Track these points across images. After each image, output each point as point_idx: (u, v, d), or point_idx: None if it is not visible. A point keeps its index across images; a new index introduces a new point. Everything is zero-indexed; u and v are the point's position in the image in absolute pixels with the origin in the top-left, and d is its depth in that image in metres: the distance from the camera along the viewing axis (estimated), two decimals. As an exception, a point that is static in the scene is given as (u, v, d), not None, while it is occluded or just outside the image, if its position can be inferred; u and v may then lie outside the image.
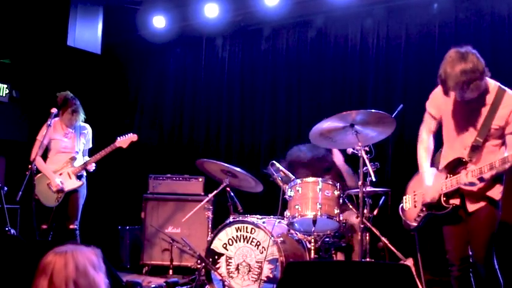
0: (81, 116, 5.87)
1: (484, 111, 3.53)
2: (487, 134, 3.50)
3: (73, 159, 5.79)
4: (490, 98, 3.52)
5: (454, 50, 3.44)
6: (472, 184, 3.48)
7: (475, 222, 3.56)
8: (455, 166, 3.62)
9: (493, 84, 3.56)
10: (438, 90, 3.68)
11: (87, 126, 6.02)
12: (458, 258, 3.65)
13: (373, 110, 4.24)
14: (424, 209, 3.75)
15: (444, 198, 3.61)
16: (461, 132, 3.63)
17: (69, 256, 2.16)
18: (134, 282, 5.44)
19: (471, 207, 3.57)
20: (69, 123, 5.82)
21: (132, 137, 5.92)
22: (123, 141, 5.88)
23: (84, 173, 5.89)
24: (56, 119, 5.83)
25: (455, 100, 3.62)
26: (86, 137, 5.95)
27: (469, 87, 3.37)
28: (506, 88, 3.55)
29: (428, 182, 3.71)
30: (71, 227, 5.66)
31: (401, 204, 3.98)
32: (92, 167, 5.82)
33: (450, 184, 3.59)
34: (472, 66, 3.34)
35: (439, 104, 3.75)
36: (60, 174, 5.73)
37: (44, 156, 5.84)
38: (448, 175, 3.63)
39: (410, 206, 3.89)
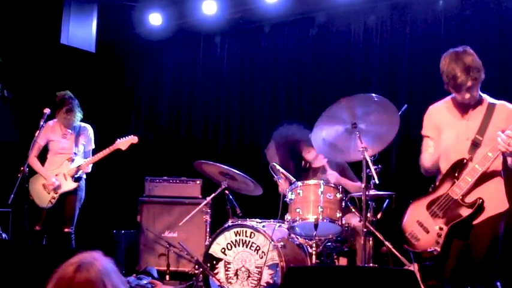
0: (78, 115, 5.87)
1: (479, 116, 3.68)
2: (484, 133, 3.61)
3: (70, 160, 5.82)
4: (483, 105, 3.71)
5: (452, 50, 3.67)
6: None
7: (477, 239, 3.58)
8: (456, 168, 3.66)
9: (483, 95, 3.76)
10: (431, 111, 3.96)
11: (88, 126, 6.04)
12: (452, 267, 3.68)
13: (373, 94, 4.15)
14: (442, 226, 3.65)
15: (462, 201, 3.59)
16: (461, 144, 3.70)
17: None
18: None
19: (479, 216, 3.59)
20: (66, 123, 5.84)
21: (132, 138, 5.94)
22: (123, 142, 5.90)
23: (84, 176, 5.91)
24: (55, 120, 5.89)
25: (452, 113, 3.79)
26: (86, 138, 5.97)
27: (477, 79, 3.55)
28: (495, 101, 3.74)
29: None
30: (66, 230, 5.68)
31: (406, 243, 3.82)
32: (88, 169, 5.83)
33: (465, 183, 3.57)
34: (476, 59, 3.59)
35: (435, 123, 3.89)
36: (56, 175, 5.76)
37: (43, 158, 5.87)
38: (454, 180, 3.64)
39: (421, 235, 3.75)
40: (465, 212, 3.59)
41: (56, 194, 5.72)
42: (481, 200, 3.55)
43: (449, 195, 3.64)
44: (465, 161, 3.63)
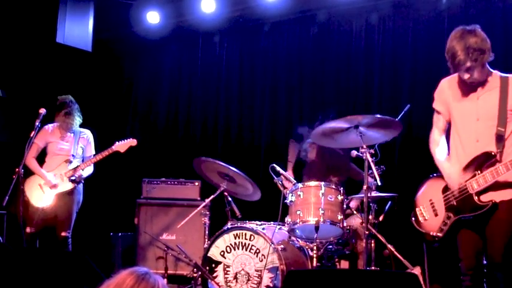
0: (77, 119, 5.96)
1: (494, 96, 3.61)
2: (506, 120, 3.56)
3: (68, 161, 5.85)
4: (495, 82, 3.63)
5: (460, 27, 3.62)
6: None
7: (496, 220, 3.54)
8: (483, 161, 3.58)
9: (492, 70, 3.69)
10: (442, 85, 3.88)
11: (88, 132, 6.11)
12: (472, 267, 3.65)
13: (378, 115, 4.26)
14: (451, 214, 3.67)
15: (477, 198, 3.56)
16: (470, 124, 3.67)
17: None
18: None
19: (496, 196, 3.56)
20: (65, 126, 5.93)
21: (131, 141, 5.98)
22: (121, 145, 5.93)
23: (82, 180, 5.94)
24: (54, 124, 5.96)
25: (461, 90, 3.73)
26: (85, 142, 6.02)
27: (477, 61, 3.51)
28: (507, 74, 3.68)
29: (450, 170, 3.67)
30: (63, 234, 5.69)
31: (414, 218, 3.87)
32: (82, 172, 5.83)
33: (484, 180, 3.53)
34: (483, 38, 3.55)
35: (445, 98, 3.83)
36: (54, 175, 5.78)
37: (42, 161, 5.90)
38: (477, 172, 3.58)
39: (429, 216, 3.80)
40: (476, 210, 3.56)
41: (52, 194, 5.74)
42: (493, 203, 3.52)
43: (466, 187, 3.61)
44: (493, 153, 3.56)
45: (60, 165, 5.84)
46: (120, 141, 5.96)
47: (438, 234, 3.72)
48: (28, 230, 5.58)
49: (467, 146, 3.67)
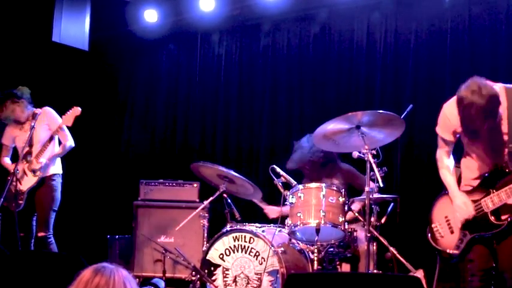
0: (11, 107, 5.72)
1: (504, 115, 3.56)
2: None
3: (27, 153, 5.67)
4: (502, 100, 3.56)
5: (467, 91, 3.41)
6: None
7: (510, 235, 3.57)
8: (496, 179, 3.60)
9: (497, 86, 3.58)
10: (446, 113, 3.76)
11: (44, 109, 5.83)
12: (482, 269, 3.67)
13: (380, 111, 4.26)
14: (466, 232, 3.69)
15: (493, 217, 3.58)
16: (489, 143, 3.64)
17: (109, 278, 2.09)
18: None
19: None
20: (14, 117, 5.76)
21: (74, 110, 5.66)
22: (66, 117, 5.63)
23: (56, 171, 5.78)
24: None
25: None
26: (46, 121, 5.76)
27: (495, 118, 3.43)
28: (510, 85, 3.62)
29: (461, 200, 3.69)
30: (39, 235, 5.58)
31: (430, 235, 3.90)
32: (42, 162, 5.62)
33: (499, 199, 3.55)
34: (492, 95, 3.39)
35: (451, 127, 3.77)
36: (18, 173, 5.59)
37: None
38: (492, 190, 3.60)
39: (445, 233, 3.83)
40: (492, 228, 3.59)
41: (23, 194, 5.61)
42: (508, 222, 3.54)
43: (481, 205, 3.63)
44: (507, 171, 3.57)
45: (21, 161, 5.63)
46: (64, 115, 5.67)
47: (455, 251, 3.75)
48: (21, 234, 5.54)
49: (488, 161, 3.67)
